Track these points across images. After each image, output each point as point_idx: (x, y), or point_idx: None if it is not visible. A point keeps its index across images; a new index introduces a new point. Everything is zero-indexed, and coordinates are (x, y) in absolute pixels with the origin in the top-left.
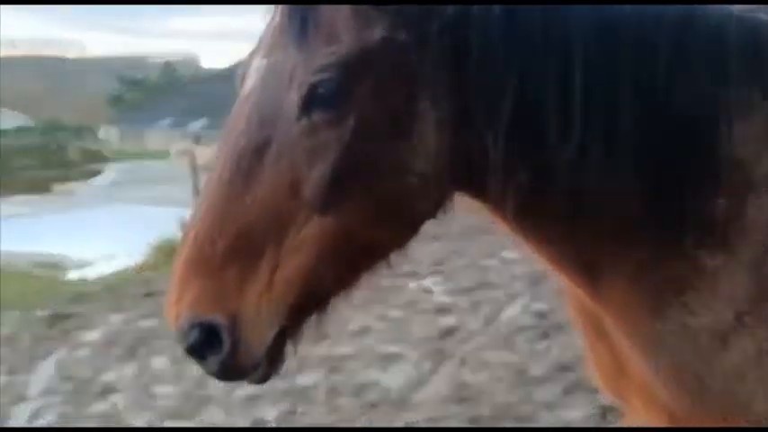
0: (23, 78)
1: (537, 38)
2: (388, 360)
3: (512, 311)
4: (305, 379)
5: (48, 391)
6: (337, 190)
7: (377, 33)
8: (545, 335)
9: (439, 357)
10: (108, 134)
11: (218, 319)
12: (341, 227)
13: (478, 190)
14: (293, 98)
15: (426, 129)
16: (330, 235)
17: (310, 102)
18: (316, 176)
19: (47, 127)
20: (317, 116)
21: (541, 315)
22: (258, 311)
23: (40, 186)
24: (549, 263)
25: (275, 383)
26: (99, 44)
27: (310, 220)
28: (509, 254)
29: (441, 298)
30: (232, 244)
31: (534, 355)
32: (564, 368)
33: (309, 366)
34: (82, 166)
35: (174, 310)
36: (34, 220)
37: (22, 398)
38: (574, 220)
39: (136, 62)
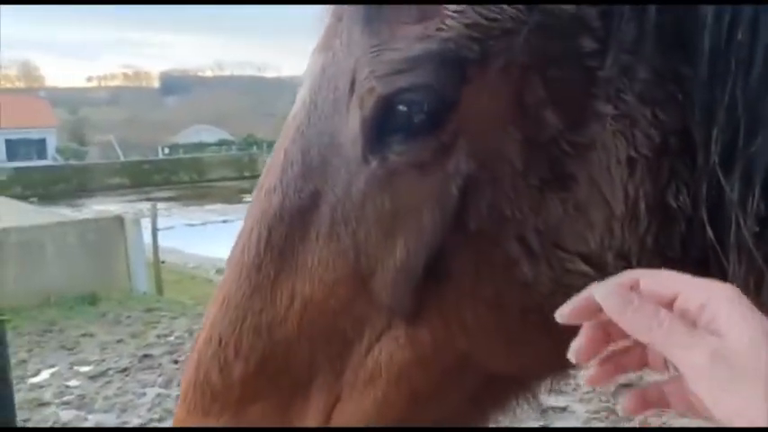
0: (227, 96)
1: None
2: None
3: None
4: None
5: None
6: (436, 282)
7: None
8: None
9: None
10: None
11: None
12: (444, 344)
13: (684, 262)
14: (353, 123)
15: (605, 170)
16: (426, 357)
17: (382, 127)
18: (398, 259)
19: (243, 141)
20: (397, 152)
21: None
22: None
23: (232, 196)
24: None
25: None
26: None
27: (390, 330)
28: None
29: None
30: (258, 368)
31: None
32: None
33: None
34: None
35: None
36: (226, 227)
37: (171, 414)
38: None
39: None
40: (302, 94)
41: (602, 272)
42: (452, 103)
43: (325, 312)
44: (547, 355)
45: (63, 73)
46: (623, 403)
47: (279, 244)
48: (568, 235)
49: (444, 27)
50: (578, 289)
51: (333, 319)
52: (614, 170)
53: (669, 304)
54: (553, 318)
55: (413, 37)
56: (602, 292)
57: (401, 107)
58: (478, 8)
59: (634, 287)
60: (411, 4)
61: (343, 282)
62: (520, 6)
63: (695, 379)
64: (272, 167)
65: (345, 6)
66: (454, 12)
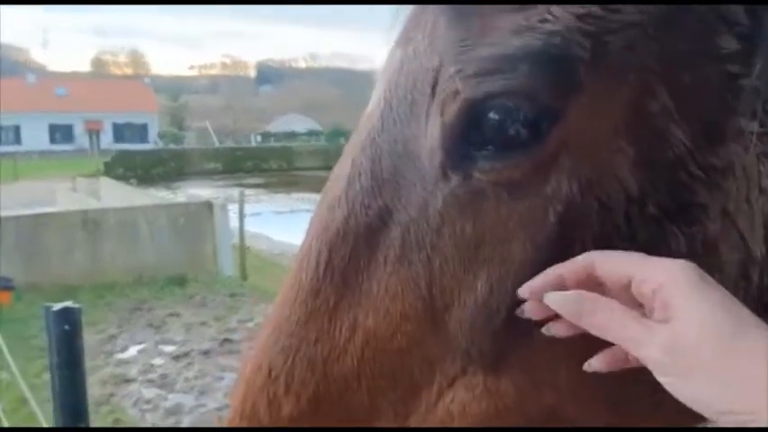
0: (319, 88)
1: None
2: None
3: None
4: None
5: None
6: (523, 328)
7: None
8: None
9: None
10: None
11: None
12: (529, 399)
13: None
14: (433, 132)
15: (744, 202)
16: (506, 410)
17: (467, 138)
18: (479, 296)
19: (332, 132)
20: (484, 169)
21: None
22: None
23: (320, 186)
24: None
25: None
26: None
27: (465, 376)
28: None
29: None
30: (310, 406)
31: None
32: None
33: None
34: None
35: None
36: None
37: None
38: None
39: None
40: (377, 94)
41: None
42: (556, 113)
43: (390, 349)
44: (652, 409)
45: (167, 61)
46: (592, 362)
47: (341, 266)
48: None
49: (550, 18)
50: None
51: (398, 358)
52: (755, 202)
53: (626, 288)
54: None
55: (510, 29)
56: (555, 299)
57: (492, 115)
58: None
59: (590, 273)
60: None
61: (413, 316)
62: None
63: (655, 372)
64: (337, 178)
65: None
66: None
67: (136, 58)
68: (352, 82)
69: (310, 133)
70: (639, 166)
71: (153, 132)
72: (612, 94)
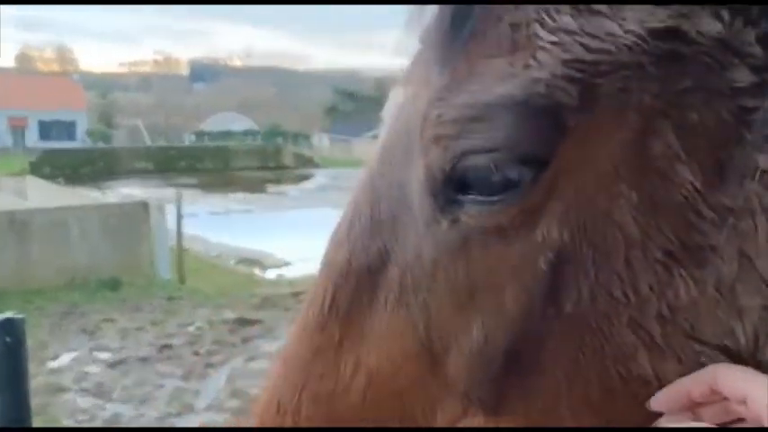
0: (255, 86)
1: None
2: None
3: None
4: None
5: (214, 407)
6: (521, 374)
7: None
8: None
9: None
10: (320, 142)
11: None
12: None
13: None
14: (419, 177)
15: (765, 242)
16: None
17: (452, 183)
18: (475, 342)
19: (268, 132)
20: (471, 214)
21: None
22: None
23: (256, 186)
24: None
25: None
26: (322, 57)
27: (466, 418)
28: None
29: None
30: None
31: None
32: None
33: None
34: (295, 170)
35: None
36: (249, 216)
37: (190, 409)
38: None
39: (352, 75)
40: (380, 137)
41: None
42: (542, 161)
43: (392, 389)
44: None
45: (96, 57)
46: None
47: (344, 305)
48: (707, 324)
49: (533, 63)
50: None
51: (400, 398)
52: None
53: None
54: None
55: (493, 75)
56: (666, 422)
57: (474, 164)
58: (582, 37)
59: (712, 386)
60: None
61: (413, 358)
62: (639, 32)
63: None
64: (342, 218)
65: (428, 28)
66: (550, 43)
67: (63, 54)
68: (288, 81)
69: (246, 133)
70: (642, 211)
71: (81, 130)
72: (608, 136)
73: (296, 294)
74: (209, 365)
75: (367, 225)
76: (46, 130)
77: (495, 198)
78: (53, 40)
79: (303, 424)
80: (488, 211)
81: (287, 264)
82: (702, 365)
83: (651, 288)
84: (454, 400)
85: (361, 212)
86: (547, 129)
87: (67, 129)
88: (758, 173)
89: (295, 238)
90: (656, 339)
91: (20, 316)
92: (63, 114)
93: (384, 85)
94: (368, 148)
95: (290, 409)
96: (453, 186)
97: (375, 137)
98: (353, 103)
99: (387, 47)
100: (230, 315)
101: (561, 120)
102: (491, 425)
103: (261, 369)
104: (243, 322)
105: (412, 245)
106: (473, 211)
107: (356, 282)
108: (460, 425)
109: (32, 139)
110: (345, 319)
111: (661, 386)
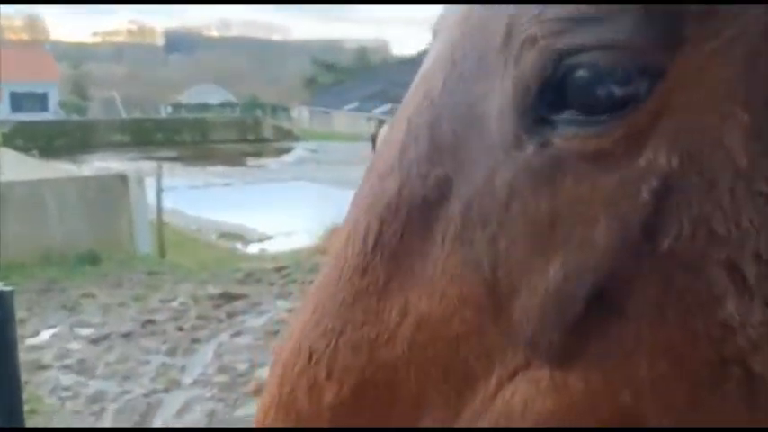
0: (233, 57)
1: None
2: None
3: None
4: None
5: (201, 382)
6: (600, 318)
7: None
8: None
9: None
10: (300, 114)
11: None
12: (602, 397)
13: None
14: (505, 89)
15: None
16: (574, 409)
17: (547, 97)
18: (552, 282)
19: (247, 104)
20: (566, 135)
21: None
22: None
23: (235, 159)
24: None
25: None
26: (301, 28)
27: (529, 369)
28: None
29: None
30: (354, 394)
31: None
32: None
33: None
34: (274, 142)
35: None
36: (228, 190)
37: (176, 384)
38: None
39: (331, 46)
40: (436, 48)
41: None
42: (658, 72)
43: (445, 336)
44: (743, 409)
45: (68, 27)
46: None
47: (392, 243)
48: None
49: None
50: None
51: (454, 346)
52: None
53: None
54: (760, 377)
55: None
56: None
57: (579, 72)
58: None
59: None
60: None
61: (473, 301)
62: None
63: None
64: (389, 143)
65: None
66: None
67: (33, 23)
68: (266, 53)
69: (224, 105)
70: (753, 136)
71: (54, 102)
72: (727, 51)
73: (279, 269)
74: (195, 341)
75: (424, 150)
76: (17, 101)
77: (597, 117)
78: (22, 9)
79: (339, 374)
80: (588, 132)
81: (269, 238)
82: None
83: (752, 223)
84: (516, 349)
85: (418, 135)
86: (666, 35)
87: (40, 100)
88: None
89: (276, 211)
90: (749, 281)
91: (8, 288)
92: (35, 86)
93: (364, 57)
94: (347, 121)
95: (324, 358)
96: (547, 101)
97: (355, 109)
98: (333, 74)
99: (367, 18)
100: (214, 290)
101: (680, 28)
102: (558, 377)
103: (247, 344)
104: (227, 297)
105: (482, 172)
106: (569, 132)
107: (408, 216)
108: (521, 378)
109: (4, 111)
110: (392, 260)
111: (745, 335)
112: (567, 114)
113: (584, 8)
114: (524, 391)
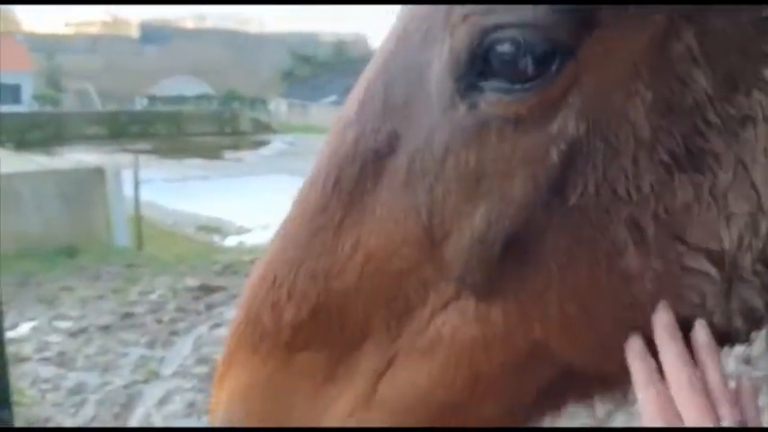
0: (209, 49)
1: None
2: None
3: None
4: None
5: (180, 374)
6: (517, 262)
7: None
8: None
9: None
10: (277, 107)
11: None
12: (518, 330)
13: None
14: (443, 59)
15: (761, 153)
16: (494, 339)
17: (476, 66)
18: (476, 229)
19: (224, 96)
20: (491, 100)
21: None
22: None
23: (212, 152)
24: None
25: None
26: (276, 20)
27: (458, 301)
28: None
29: None
30: (310, 315)
31: None
32: None
33: None
34: (252, 135)
35: (215, 393)
36: (206, 183)
37: (156, 376)
38: None
39: (309, 39)
40: (396, 21)
41: (732, 275)
42: (570, 50)
43: (388, 270)
44: None
45: (40, 18)
46: None
47: (348, 186)
48: (696, 227)
49: None
50: (692, 289)
51: (395, 279)
52: None
53: None
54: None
55: None
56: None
57: (502, 46)
58: None
59: None
60: None
61: (412, 241)
62: None
63: None
64: (351, 101)
65: None
66: None
67: (4, 14)
68: (243, 45)
69: (201, 97)
70: (655, 111)
71: (27, 94)
72: (633, 35)
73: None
74: (174, 333)
75: (379, 108)
76: None
77: (516, 86)
78: None
79: (298, 298)
80: (509, 98)
81: (247, 231)
82: (684, 267)
83: (652, 188)
84: (448, 283)
85: (374, 94)
86: (577, 20)
87: (12, 92)
88: (767, 85)
89: (253, 204)
90: (648, 238)
91: None
92: (7, 77)
93: (342, 50)
94: (325, 114)
95: (285, 284)
96: (476, 69)
97: (333, 102)
98: (311, 67)
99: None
100: (192, 282)
101: (591, 13)
102: (482, 309)
103: (226, 336)
104: (206, 289)
105: (424, 130)
106: (493, 97)
107: (362, 164)
108: (451, 308)
109: None
110: (348, 201)
111: (640, 285)
112: (493, 82)
113: None
114: (453, 320)
